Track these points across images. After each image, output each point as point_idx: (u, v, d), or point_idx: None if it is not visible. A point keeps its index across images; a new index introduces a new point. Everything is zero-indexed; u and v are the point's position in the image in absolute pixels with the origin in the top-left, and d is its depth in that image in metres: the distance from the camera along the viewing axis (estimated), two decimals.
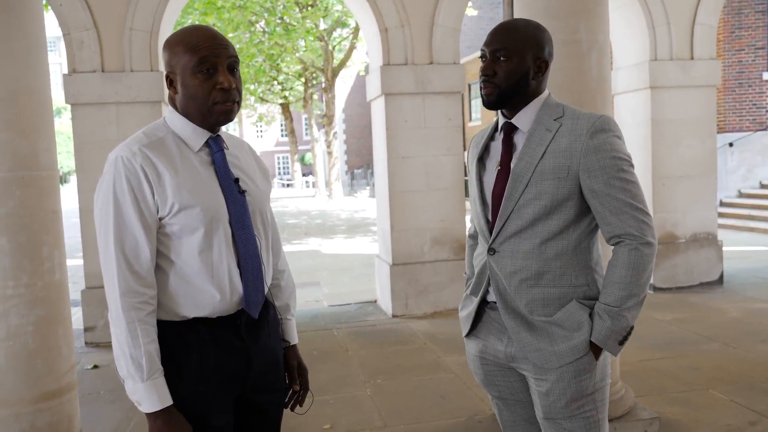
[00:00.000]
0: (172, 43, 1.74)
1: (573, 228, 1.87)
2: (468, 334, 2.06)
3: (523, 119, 1.92)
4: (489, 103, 1.93)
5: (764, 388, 4.16)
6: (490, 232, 1.93)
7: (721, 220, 11.36)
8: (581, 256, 1.90)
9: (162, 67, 6.04)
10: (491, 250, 1.92)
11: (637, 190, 1.84)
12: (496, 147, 1.98)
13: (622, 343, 1.85)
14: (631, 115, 7.33)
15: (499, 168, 1.93)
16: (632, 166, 1.86)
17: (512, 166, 1.89)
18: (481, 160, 2.02)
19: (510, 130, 1.95)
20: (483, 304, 2.01)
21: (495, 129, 2.02)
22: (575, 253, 1.88)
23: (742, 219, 12.66)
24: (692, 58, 7.19)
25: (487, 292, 1.98)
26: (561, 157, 1.84)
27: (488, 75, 1.90)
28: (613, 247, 1.88)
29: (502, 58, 1.88)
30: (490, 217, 1.94)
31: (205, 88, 1.70)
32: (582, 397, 1.88)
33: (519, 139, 1.93)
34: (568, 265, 1.87)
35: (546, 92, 1.96)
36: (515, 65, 1.87)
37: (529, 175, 1.85)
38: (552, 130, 1.87)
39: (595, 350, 1.86)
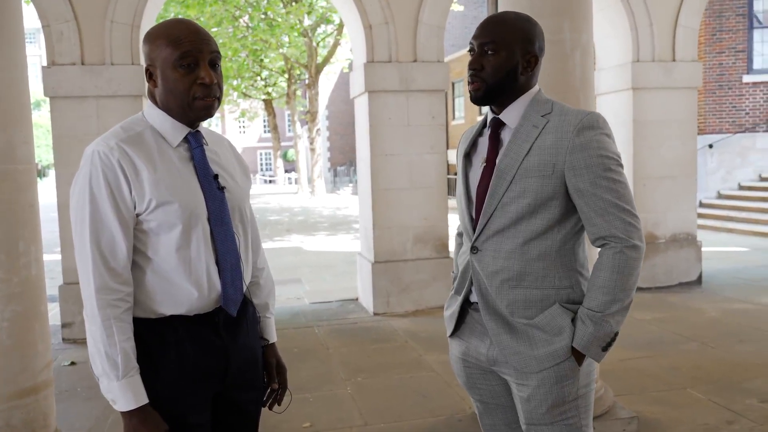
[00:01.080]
0: (153, 36, 1.71)
1: (558, 228, 1.82)
2: (452, 335, 2.01)
3: (511, 115, 1.87)
4: (476, 99, 1.88)
5: (742, 388, 4.20)
6: (474, 230, 1.88)
7: (700, 221, 11.46)
8: (566, 258, 1.84)
9: (143, 61, 5.98)
10: (474, 249, 1.87)
11: (625, 191, 1.78)
12: (484, 143, 1.93)
13: (605, 349, 1.79)
14: (613, 115, 7.37)
15: (485, 164, 1.87)
16: (621, 165, 1.80)
17: (497, 162, 1.84)
18: (468, 156, 1.97)
19: (497, 125, 1.89)
20: (466, 305, 1.96)
21: (484, 125, 1.96)
22: (559, 254, 1.83)
23: (721, 220, 12.80)
24: (674, 60, 7.25)
25: (470, 291, 1.93)
26: (546, 154, 1.78)
27: (475, 69, 1.84)
28: (598, 249, 1.83)
29: (489, 52, 1.82)
30: (474, 215, 1.89)
31: (186, 82, 1.68)
32: (564, 404, 1.83)
33: (506, 136, 1.87)
34: (551, 266, 1.82)
35: (536, 88, 1.90)
36: (503, 59, 1.82)
37: (513, 171, 1.80)
38: (539, 127, 1.81)
39: (578, 356, 1.80)
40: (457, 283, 1.98)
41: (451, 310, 2.00)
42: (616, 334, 1.79)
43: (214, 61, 1.72)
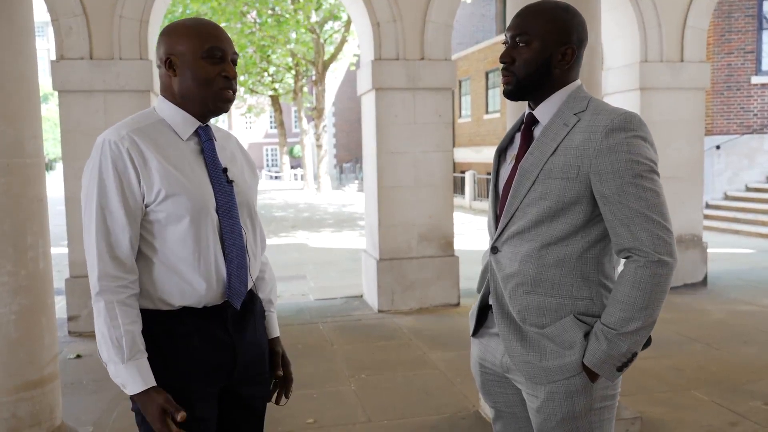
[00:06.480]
0: (176, 29, 1.75)
1: (581, 235, 1.69)
2: (473, 335, 1.93)
3: (544, 111, 1.75)
4: (507, 93, 1.78)
5: (745, 390, 4.20)
6: (496, 229, 1.79)
7: (706, 222, 11.45)
8: (586, 267, 1.71)
9: (152, 57, 6.00)
10: (494, 249, 1.78)
11: (657, 200, 1.62)
12: (519, 139, 1.82)
13: (621, 369, 1.65)
14: None
15: (513, 162, 1.78)
16: (655, 172, 1.64)
17: (521, 161, 1.74)
18: (505, 151, 1.87)
19: (531, 122, 1.78)
20: (487, 306, 1.87)
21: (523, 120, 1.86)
22: (579, 262, 1.70)
23: (728, 221, 12.78)
24: (682, 61, 7.23)
25: (488, 292, 1.83)
26: (572, 155, 1.66)
27: (506, 62, 1.74)
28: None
29: (521, 44, 1.72)
30: (498, 212, 1.80)
31: (213, 71, 1.73)
32: (575, 419, 1.71)
33: (538, 133, 1.76)
34: (569, 274, 1.70)
35: (576, 83, 1.78)
36: (535, 52, 1.71)
37: (536, 172, 1.69)
38: (569, 125, 1.69)
39: (590, 372, 1.68)
40: (478, 282, 1.91)
41: (472, 310, 1.93)
42: (635, 354, 1.66)
43: (234, 60, 1.79)
